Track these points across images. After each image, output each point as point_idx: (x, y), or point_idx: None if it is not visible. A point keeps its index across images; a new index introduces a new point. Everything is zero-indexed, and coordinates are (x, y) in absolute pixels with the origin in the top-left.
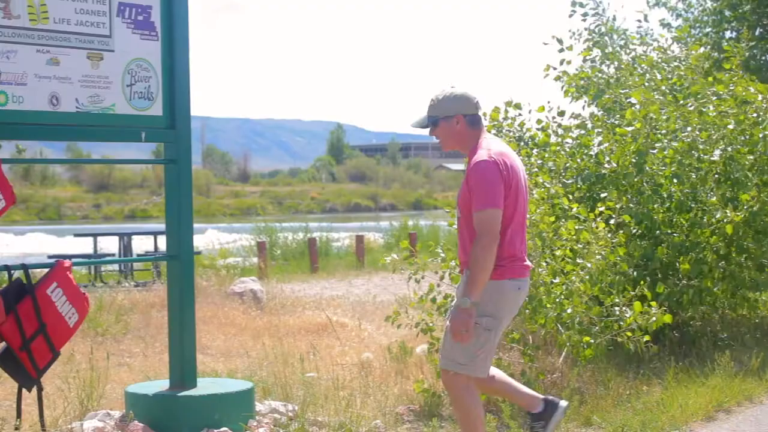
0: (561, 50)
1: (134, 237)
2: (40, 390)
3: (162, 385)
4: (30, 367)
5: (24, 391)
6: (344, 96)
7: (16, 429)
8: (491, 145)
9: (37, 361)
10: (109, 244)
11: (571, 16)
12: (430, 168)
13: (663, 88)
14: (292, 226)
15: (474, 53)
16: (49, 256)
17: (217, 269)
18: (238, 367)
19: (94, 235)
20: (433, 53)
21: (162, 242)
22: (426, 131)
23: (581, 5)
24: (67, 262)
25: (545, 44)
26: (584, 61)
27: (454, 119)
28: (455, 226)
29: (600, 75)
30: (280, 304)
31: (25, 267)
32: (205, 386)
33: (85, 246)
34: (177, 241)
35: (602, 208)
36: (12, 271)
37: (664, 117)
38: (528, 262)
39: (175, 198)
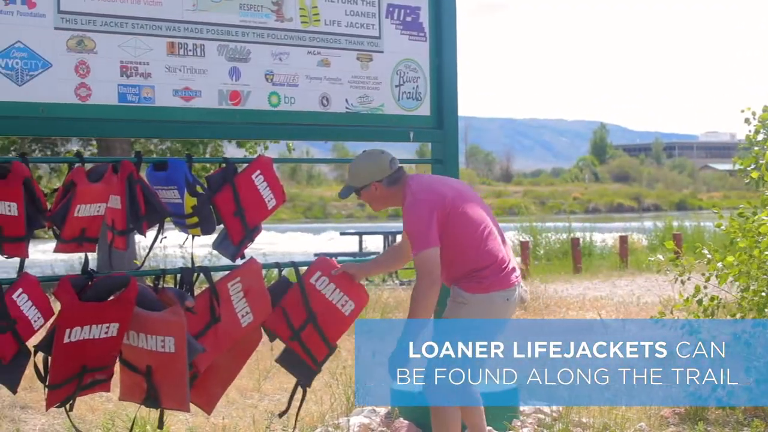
0: None
1: (398, 236)
2: (304, 389)
3: None
4: (309, 359)
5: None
6: (608, 95)
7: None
8: (413, 186)
9: (314, 354)
10: (374, 243)
11: None
12: (695, 168)
13: None
14: (555, 226)
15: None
16: (315, 254)
17: None
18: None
19: (360, 234)
20: (698, 51)
21: None
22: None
23: None
24: (331, 260)
25: None
26: None
27: (371, 187)
28: (722, 228)
29: None
30: (543, 304)
31: (294, 264)
32: None
33: (350, 245)
34: None
35: None
36: (282, 269)
37: None
38: (515, 269)
39: None
